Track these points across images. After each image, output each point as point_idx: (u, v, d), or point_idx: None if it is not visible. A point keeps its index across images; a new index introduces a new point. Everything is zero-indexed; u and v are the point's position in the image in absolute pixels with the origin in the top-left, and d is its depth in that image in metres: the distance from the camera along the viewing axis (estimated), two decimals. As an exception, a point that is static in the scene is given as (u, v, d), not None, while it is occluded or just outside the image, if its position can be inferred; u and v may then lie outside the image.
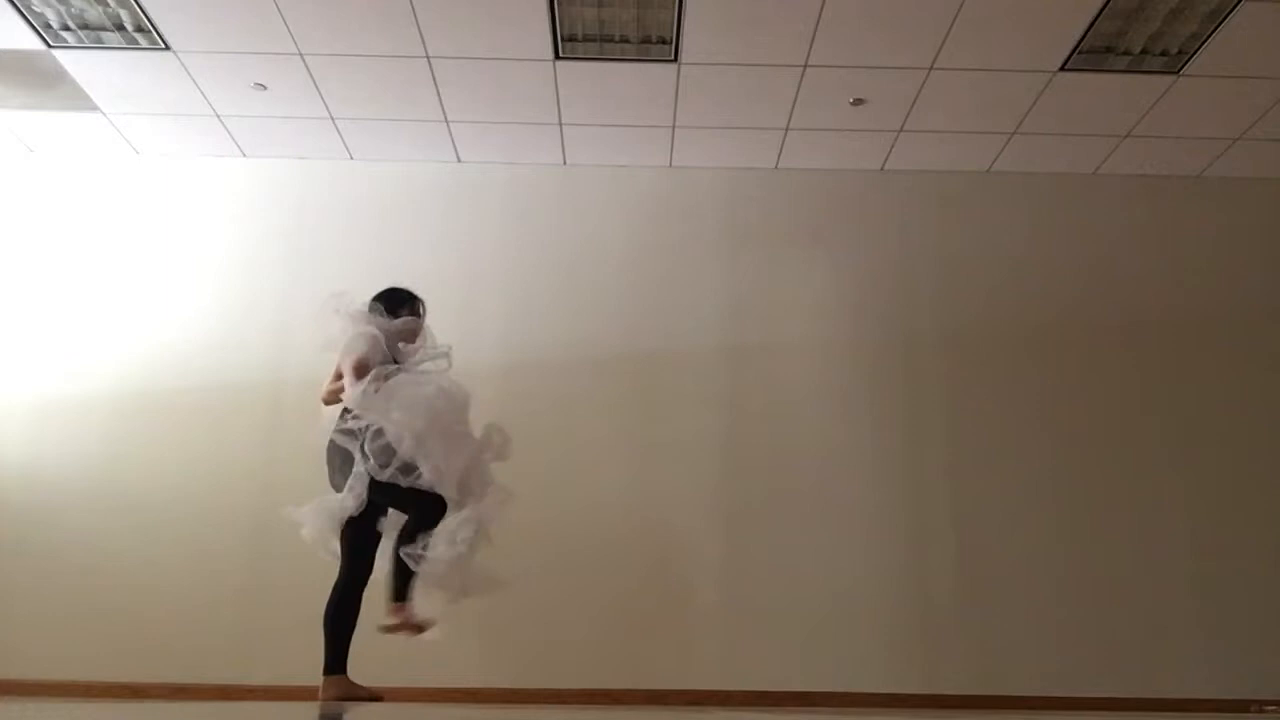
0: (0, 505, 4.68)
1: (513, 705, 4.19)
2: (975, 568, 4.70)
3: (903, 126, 4.83)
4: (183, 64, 4.43)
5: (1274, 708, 4.39)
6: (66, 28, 4.20)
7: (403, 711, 3.31)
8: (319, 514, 3.44)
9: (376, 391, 3.40)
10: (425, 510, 3.37)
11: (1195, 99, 4.57)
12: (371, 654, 4.56)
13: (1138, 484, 4.81)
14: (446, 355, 3.66)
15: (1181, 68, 4.37)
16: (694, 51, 4.30)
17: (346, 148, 5.07)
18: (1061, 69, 4.38)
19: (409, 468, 3.33)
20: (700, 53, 4.31)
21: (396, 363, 3.53)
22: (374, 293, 3.69)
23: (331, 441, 3.47)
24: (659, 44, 4.26)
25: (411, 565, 3.31)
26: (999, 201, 5.19)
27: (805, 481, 4.78)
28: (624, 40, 4.25)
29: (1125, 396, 4.93)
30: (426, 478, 3.34)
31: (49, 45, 4.31)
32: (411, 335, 3.63)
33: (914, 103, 4.63)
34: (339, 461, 3.45)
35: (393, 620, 3.40)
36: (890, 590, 4.67)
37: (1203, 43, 4.19)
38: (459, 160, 5.15)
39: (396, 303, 3.65)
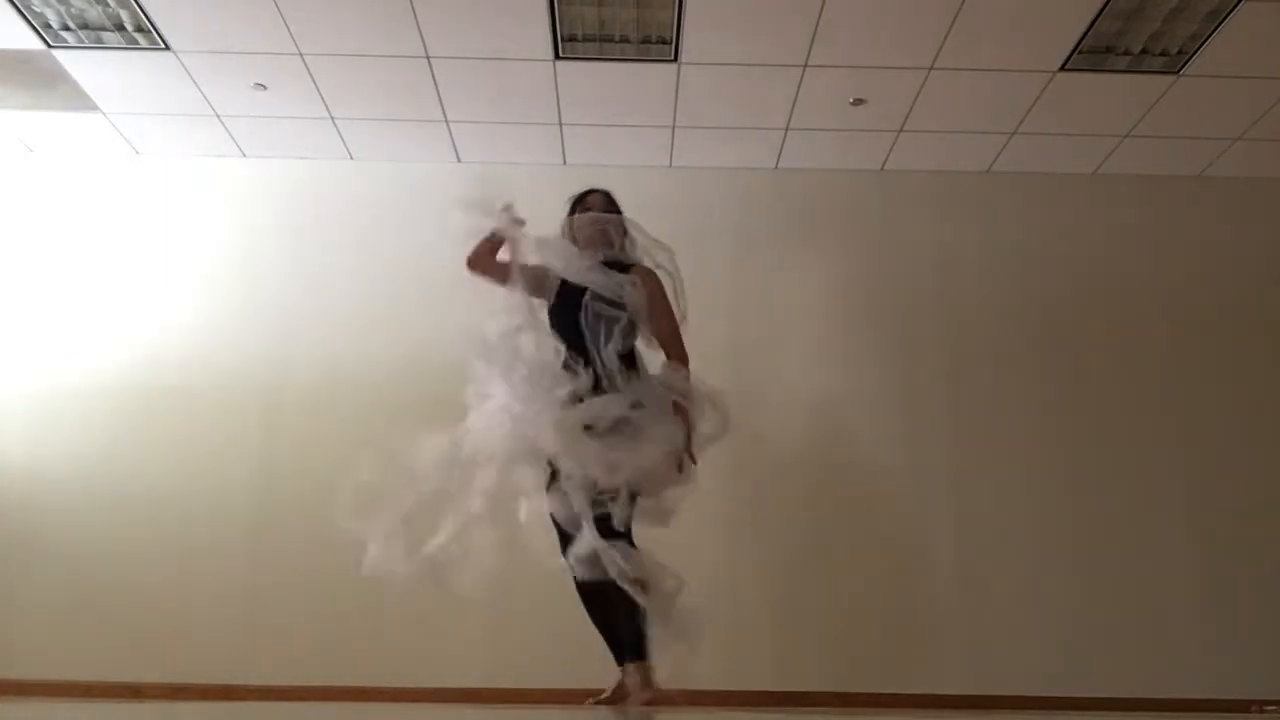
0: (0, 505, 4.68)
1: (512, 705, 4.19)
2: (975, 567, 4.70)
3: (903, 126, 4.83)
4: (183, 64, 4.43)
5: (1274, 708, 4.39)
6: (66, 28, 4.20)
7: (402, 712, 3.31)
8: None
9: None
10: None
11: (1195, 99, 4.56)
12: (370, 654, 4.57)
13: (1137, 484, 4.81)
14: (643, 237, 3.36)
15: (1181, 68, 4.37)
16: (694, 51, 4.30)
17: (346, 148, 5.07)
18: (1061, 69, 4.38)
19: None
20: (700, 53, 4.31)
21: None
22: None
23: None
24: (659, 44, 4.26)
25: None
26: (999, 201, 5.18)
27: (804, 481, 4.78)
28: (624, 40, 4.25)
29: (1124, 396, 4.93)
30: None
31: (49, 45, 4.31)
32: (586, 235, 3.36)
33: (914, 103, 4.63)
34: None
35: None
36: (891, 590, 4.67)
37: (1203, 43, 4.19)
38: (459, 160, 5.15)
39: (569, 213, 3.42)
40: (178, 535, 4.61)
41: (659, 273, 3.39)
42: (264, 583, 4.56)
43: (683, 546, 4.67)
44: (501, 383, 3.15)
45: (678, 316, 3.37)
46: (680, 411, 3.21)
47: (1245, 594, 4.67)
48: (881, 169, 5.20)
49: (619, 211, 3.49)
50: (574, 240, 3.39)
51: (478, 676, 4.44)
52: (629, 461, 3.02)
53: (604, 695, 3.24)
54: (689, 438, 3.22)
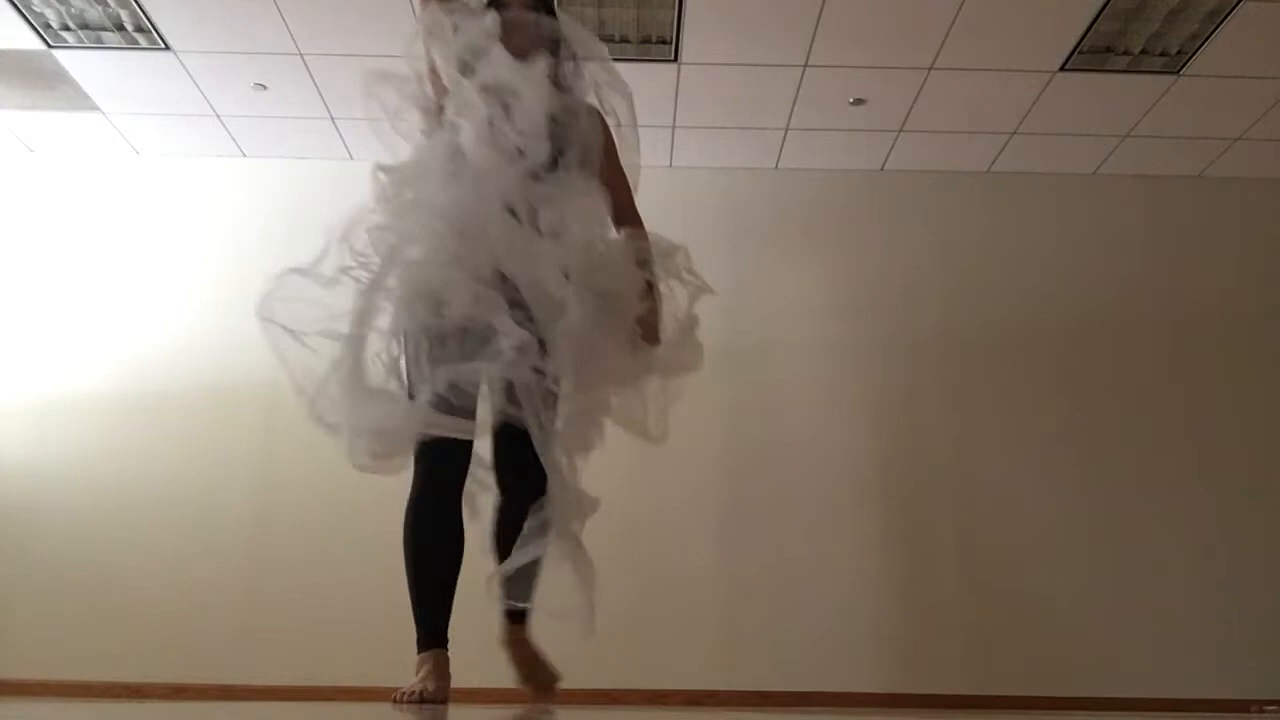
0: (0, 505, 4.68)
1: (512, 705, 4.19)
2: (975, 568, 4.70)
3: (903, 126, 4.83)
4: (183, 64, 4.43)
5: (1274, 708, 4.38)
6: (66, 28, 4.20)
7: (399, 712, 3.31)
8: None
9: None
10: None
11: (1195, 99, 4.56)
12: (370, 654, 4.55)
13: (1136, 484, 4.80)
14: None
15: (1181, 68, 4.37)
16: (694, 51, 4.30)
17: (346, 148, 5.07)
18: (1061, 69, 4.38)
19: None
20: (700, 53, 4.31)
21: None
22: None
23: None
24: (659, 44, 4.26)
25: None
26: (999, 201, 5.19)
27: (805, 481, 4.78)
28: (624, 40, 4.25)
29: (1124, 397, 4.93)
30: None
31: (49, 45, 4.31)
32: (520, 43, 2.36)
33: (914, 103, 4.63)
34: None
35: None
36: (890, 590, 4.67)
37: (1203, 43, 4.19)
38: (459, 160, 5.15)
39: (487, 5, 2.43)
40: (178, 535, 4.61)
41: (609, 120, 2.57)
42: (264, 583, 4.55)
43: (680, 547, 4.69)
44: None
45: (631, 182, 2.65)
46: (646, 280, 2.57)
47: (1245, 594, 4.66)
48: (881, 169, 5.20)
49: (553, 11, 2.52)
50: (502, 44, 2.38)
51: (478, 676, 4.43)
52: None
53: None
54: (653, 312, 2.56)
